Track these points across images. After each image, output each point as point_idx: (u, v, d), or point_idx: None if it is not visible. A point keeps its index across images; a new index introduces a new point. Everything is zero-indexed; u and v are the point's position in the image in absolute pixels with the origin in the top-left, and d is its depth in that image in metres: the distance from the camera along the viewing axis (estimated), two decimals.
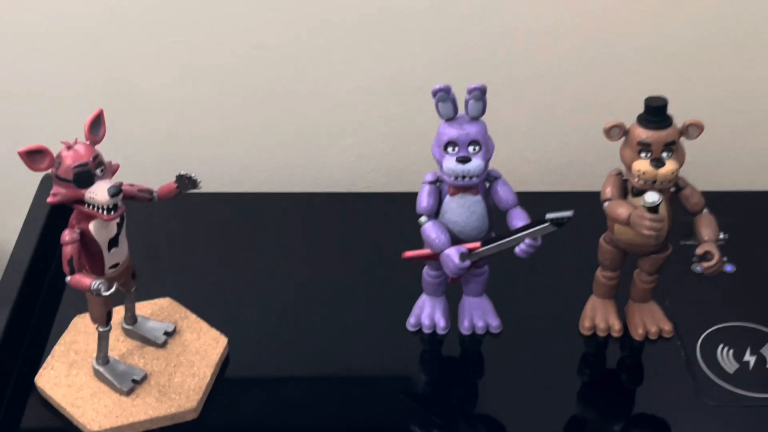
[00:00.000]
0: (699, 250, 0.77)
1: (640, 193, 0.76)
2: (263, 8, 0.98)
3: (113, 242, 0.74)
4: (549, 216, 0.71)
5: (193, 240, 0.99)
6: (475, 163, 0.75)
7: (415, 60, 1.02)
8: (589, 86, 1.03)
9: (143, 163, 0.97)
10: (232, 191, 1.04)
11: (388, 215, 0.99)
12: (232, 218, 1.02)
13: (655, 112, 0.75)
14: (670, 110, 0.75)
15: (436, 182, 0.79)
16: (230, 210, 1.03)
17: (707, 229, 0.78)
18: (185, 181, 0.74)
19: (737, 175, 1.09)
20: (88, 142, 0.71)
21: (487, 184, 0.79)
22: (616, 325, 0.85)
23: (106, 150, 0.72)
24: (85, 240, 0.72)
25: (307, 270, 0.94)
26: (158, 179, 0.77)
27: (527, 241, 0.74)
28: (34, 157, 0.68)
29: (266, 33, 1.00)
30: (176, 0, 0.98)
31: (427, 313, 0.86)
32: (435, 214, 0.79)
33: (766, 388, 0.80)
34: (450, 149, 0.75)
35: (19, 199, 1.00)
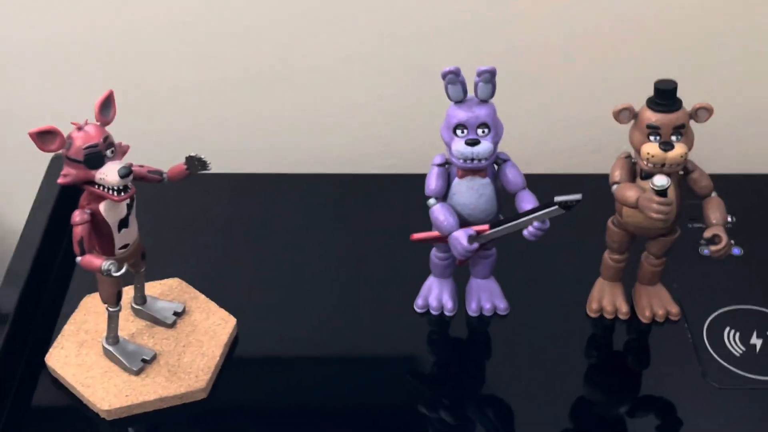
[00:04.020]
0: (707, 234, 0.77)
1: (648, 176, 0.75)
2: None
3: (123, 223, 0.74)
4: (557, 199, 0.70)
5: (202, 220, 0.99)
6: (484, 146, 0.75)
7: (422, 41, 1.01)
8: (599, 68, 1.03)
9: (153, 144, 0.97)
10: (240, 172, 1.04)
11: (396, 197, 0.99)
12: (240, 199, 1.02)
13: (665, 96, 0.74)
14: (680, 93, 0.75)
15: (445, 164, 0.79)
16: (238, 191, 1.03)
17: (715, 212, 0.78)
18: (195, 163, 0.74)
19: (746, 158, 1.08)
20: (98, 123, 0.71)
21: (496, 167, 0.79)
22: (624, 308, 0.85)
23: (115, 131, 0.72)
24: (96, 221, 0.72)
25: (315, 251, 0.94)
26: (168, 159, 0.77)
27: (536, 224, 0.74)
28: (44, 137, 0.68)
29: (272, 16, 1.00)
30: None
31: (434, 294, 0.87)
32: (444, 196, 0.79)
33: None
34: (459, 132, 0.75)
35: (28, 179, 1.00)
